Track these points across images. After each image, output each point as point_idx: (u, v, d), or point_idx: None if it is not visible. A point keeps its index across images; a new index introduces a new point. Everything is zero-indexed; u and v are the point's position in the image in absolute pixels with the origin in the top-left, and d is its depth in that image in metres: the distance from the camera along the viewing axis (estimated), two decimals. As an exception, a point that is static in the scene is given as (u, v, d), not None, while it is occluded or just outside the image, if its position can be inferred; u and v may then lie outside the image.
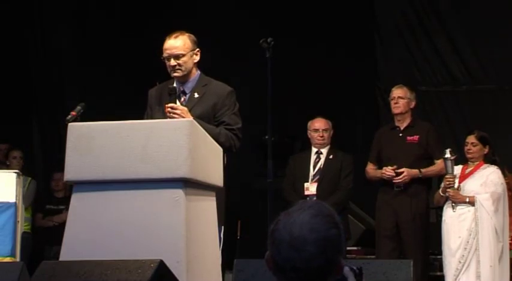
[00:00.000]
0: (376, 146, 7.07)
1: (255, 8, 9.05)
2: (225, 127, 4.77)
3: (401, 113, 6.94)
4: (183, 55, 4.82)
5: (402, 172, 6.72)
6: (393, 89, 7.04)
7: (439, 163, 6.76)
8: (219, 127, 4.76)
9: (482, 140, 6.72)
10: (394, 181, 6.74)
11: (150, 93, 5.01)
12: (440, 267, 7.08)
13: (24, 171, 7.49)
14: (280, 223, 2.09)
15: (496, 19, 8.52)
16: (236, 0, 9.21)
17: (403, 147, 6.89)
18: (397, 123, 7.01)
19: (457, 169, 6.73)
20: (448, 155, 6.53)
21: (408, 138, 6.91)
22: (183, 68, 4.84)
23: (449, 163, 6.55)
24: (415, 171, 6.75)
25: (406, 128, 6.96)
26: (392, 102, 6.97)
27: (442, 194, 6.66)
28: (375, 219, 7.16)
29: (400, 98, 6.93)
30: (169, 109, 4.64)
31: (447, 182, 6.56)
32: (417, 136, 6.90)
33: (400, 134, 6.95)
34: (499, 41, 8.55)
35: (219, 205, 4.45)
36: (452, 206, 6.56)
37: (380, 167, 6.92)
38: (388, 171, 6.75)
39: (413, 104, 7.00)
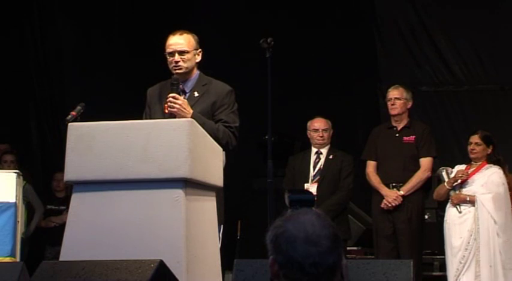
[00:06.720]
0: (373, 144, 7.06)
1: (255, 8, 9.05)
2: (222, 125, 4.78)
3: (398, 114, 6.94)
4: (188, 52, 4.83)
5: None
6: (389, 90, 7.03)
7: (423, 163, 6.78)
8: (217, 124, 4.77)
9: (486, 140, 6.72)
10: (383, 204, 6.75)
11: (149, 92, 5.01)
12: (440, 267, 7.08)
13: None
14: (287, 225, 2.12)
15: (496, 19, 8.51)
16: (236, 0, 9.21)
17: (399, 147, 6.89)
18: (394, 123, 7.01)
19: (461, 169, 6.74)
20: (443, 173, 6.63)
21: (405, 138, 6.91)
22: (185, 65, 4.84)
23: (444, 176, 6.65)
24: (399, 197, 6.74)
25: (403, 128, 6.96)
26: (389, 103, 6.96)
27: (448, 186, 6.65)
28: (372, 219, 7.16)
29: (397, 99, 6.93)
30: (170, 99, 4.64)
31: (460, 174, 6.57)
32: (414, 136, 6.90)
33: (397, 134, 6.95)
34: (499, 41, 8.54)
35: (218, 205, 4.44)
36: (457, 207, 6.56)
37: (377, 165, 6.93)
38: (389, 201, 6.75)
39: (410, 104, 6.99)
